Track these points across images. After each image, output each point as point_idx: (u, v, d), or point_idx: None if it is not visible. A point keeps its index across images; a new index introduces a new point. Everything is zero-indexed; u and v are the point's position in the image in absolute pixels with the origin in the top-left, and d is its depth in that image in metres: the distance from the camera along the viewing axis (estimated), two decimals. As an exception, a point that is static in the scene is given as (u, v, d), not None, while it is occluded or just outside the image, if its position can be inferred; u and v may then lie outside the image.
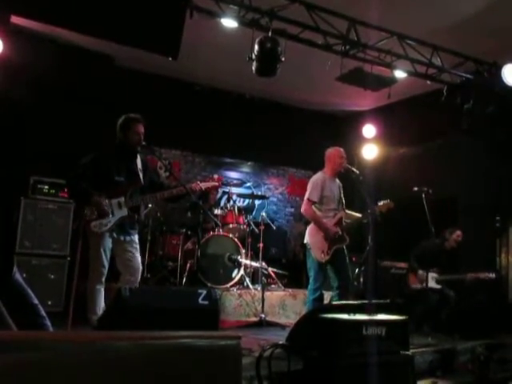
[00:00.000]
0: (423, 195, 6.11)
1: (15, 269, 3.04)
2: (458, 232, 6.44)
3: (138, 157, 4.49)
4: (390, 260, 6.93)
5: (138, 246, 4.37)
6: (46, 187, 5.91)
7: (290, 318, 6.02)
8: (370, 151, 8.51)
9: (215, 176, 7.00)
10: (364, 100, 7.96)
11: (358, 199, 5.55)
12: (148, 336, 1.92)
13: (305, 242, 5.32)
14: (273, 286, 6.82)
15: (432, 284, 6.23)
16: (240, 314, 5.86)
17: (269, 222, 7.49)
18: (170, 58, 4.51)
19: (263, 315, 5.74)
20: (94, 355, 1.75)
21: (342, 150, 5.40)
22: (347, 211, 5.44)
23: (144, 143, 4.38)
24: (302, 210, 5.32)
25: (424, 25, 5.64)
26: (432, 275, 6.28)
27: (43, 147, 6.06)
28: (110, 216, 4.18)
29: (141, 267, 4.37)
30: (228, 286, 6.15)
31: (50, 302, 5.51)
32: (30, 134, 6.02)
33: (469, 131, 6.60)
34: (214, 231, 6.50)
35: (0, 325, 2.48)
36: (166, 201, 4.71)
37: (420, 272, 6.17)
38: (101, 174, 4.25)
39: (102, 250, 4.19)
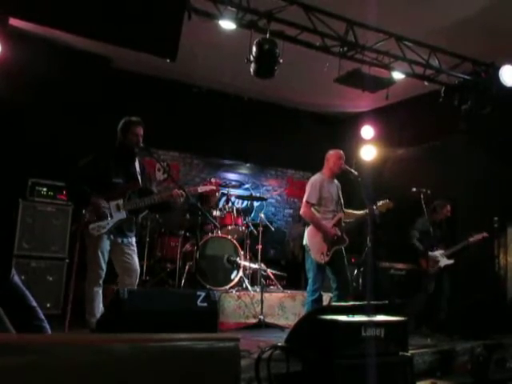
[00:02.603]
0: (422, 196, 6.13)
1: (13, 271, 3.04)
2: (448, 207, 6.57)
3: (137, 159, 4.50)
4: (389, 261, 6.94)
5: (135, 249, 4.38)
6: (45, 189, 5.89)
7: (289, 320, 6.02)
8: (369, 152, 8.51)
9: (213, 180, 7.00)
10: (362, 101, 7.96)
11: (356, 200, 5.55)
12: (146, 338, 1.92)
13: (304, 243, 5.32)
14: (272, 287, 6.81)
15: (445, 261, 6.39)
16: (239, 316, 5.86)
17: (267, 223, 7.48)
18: (168, 60, 4.51)
19: (262, 317, 5.74)
20: (92, 358, 1.75)
21: (340, 151, 5.41)
22: (347, 210, 5.45)
23: (142, 145, 4.39)
24: (301, 212, 5.32)
25: (421, 26, 5.64)
26: (439, 252, 6.42)
27: (41, 149, 6.06)
28: (109, 218, 4.18)
29: (138, 269, 4.37)
30: (227, 287, 6.15)
31: (48, 305, 5.51)
32: (28, 136, 6.01)
33: (467, 132, 6.60)
34: (212, 233, 6.50)
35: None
36: (155, 209, 4.70)
37: (430, 254, 6.24)
38: (99, 175, 4.26)
39: (99, 252, 4.19)
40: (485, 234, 6.39)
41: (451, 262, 6.41)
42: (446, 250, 6.46)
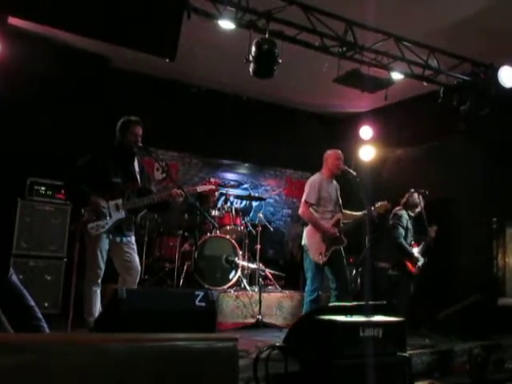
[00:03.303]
0: (420, 196, 6.13)
1: (11, 270, 3.03)
2: (419, 198, 6.23)
3: (135, 159, 4.49)
4: (387, 261, 6.92)
5: (135, 247, 4.38)
6: (43, 188, 5.89)
7: (287, 320, 6.03)
8: (367, 153, 8.51)
9: (212, 180, 7.00)
10: (361, 101, 7.96)
11: (355, 201, 5.56)
12: (144, 338, 1.92)
13: (302, 243, 5.32)
14: (270, 287, 6.82)
15: (422, 260, 6.13)
16: (237, 316, 5.86)
17: (266, 223, 7.48)
18: (167, 60, 4.51)
19: (260, 317, 5.74)
20: (90, 358, 1.74)
21: (339, 151, 5.42)
22: (346, 211, 5.45)
23: (141, 145, 4.39)
24: (300, 212, 5.32)
25: (421, 26, 5.65)
26: (416, 250, 6.17)
27: (40, 148, 6.05)
28: (108, 218, 4.18)
29: (139, 268, 4.37)
30: (225, 287, 6.15)
31: (46, 304, 5.51)
32: (27, 135, 6.00)
33: (465, 133, 6.61)
34: (211, 233, 6.50)
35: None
36: (150, 209, 4.68)
37: (416, 255, 6.10)
38: (98, 174, 4.25)
39: (98, 251, 4.19)
40: (435, 228, 6.14)
41: (424, 260, 6.16)
42: (419, 246, 6.21)
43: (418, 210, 6.25)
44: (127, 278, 4.23)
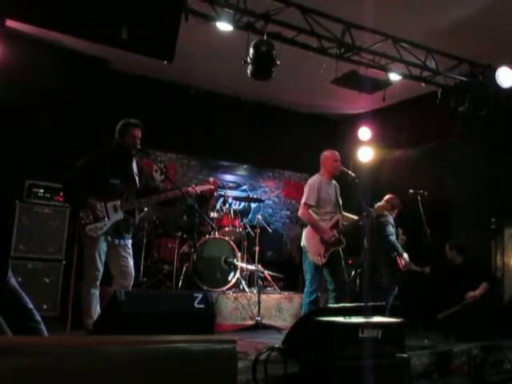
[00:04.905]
0: (418, 197, 6.13)
1: (10, 273, 3.03)
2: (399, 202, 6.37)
3: (134, 160, 4.50)
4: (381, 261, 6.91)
5: (131, 251, 4.37)
6: (41, 191, 5.89)
7: (286, 321, 6.03)
8: (366, 154, 8.52)
9: (211, 179, 6.99)
10: (359, 103, 7.97)
11: (353, 202, 5.56)
12: (143, 340, 1.92)
13: (301, 244, 5.32)
14: (269, 288, 6.82)
15: (407, 257, 6.20)
16: (236, 318, 5.86)
17: (264, 224, 7.48)
18: (165, 62, 4.51)
19: (259, 318, 5.74)
20: (89, 360, 1.74)
21: (335, 152, 5.41)
22: (344, 213, 5.45)
23: (139, 147, 4.39)
24: (299, 213, 5.32)
25: (418, 27, 5.66)
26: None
27: (38, 151, 6.05)
28: (106, 219, 4.17)
29: (133, 272, 4.37)
30: (224, 289, 6.15)
31: (45, 306, 5.49)
32: (25, 138, 6.00)
33: (463, 133, 6.62)
34: (209, 234, 6.49)
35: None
36: (161, 204, 4.70)
37: (404, 255, 6.14)
38: (96, 176, 4.26)
39: (96, 253, 4.18)
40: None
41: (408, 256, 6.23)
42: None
43: (396, 212, 6.33)
44: (122, 282, 4.23)
